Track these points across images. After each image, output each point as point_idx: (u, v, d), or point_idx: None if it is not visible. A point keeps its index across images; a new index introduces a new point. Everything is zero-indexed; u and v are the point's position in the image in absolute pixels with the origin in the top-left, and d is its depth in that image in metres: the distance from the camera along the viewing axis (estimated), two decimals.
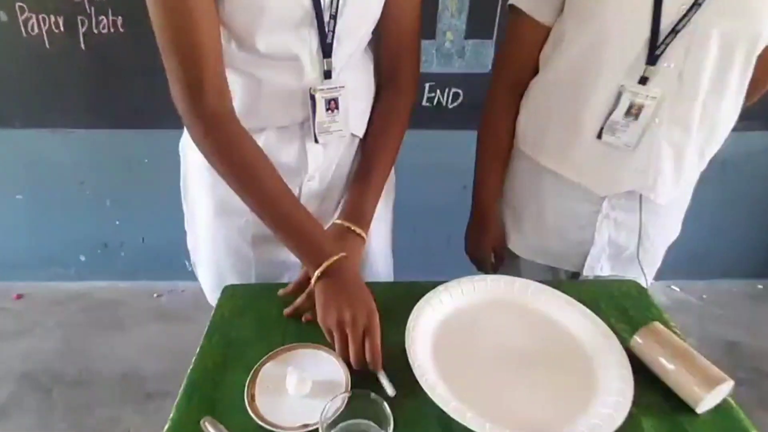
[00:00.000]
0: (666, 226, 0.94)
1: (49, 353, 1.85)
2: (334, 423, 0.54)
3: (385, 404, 0.52)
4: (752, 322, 2.08)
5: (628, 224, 0.90)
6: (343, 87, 0.80)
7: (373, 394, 0.54)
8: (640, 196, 0.87)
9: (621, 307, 0.81)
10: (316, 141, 0.83)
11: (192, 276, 1.03)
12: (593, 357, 0.70)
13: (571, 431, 0.59)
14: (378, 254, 0.99)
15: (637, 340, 0.69)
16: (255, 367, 0.67)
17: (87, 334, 1.95)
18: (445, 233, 1.75)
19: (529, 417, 0.62)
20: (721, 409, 0.64)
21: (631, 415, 0.60)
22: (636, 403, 0.62)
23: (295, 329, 0.75)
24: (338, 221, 0.82)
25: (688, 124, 0.79)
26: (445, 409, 0.60)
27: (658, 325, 0.70)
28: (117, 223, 2.05)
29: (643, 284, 0.89)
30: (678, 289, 2.25)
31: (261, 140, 0.80)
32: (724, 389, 0.63)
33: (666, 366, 0.65)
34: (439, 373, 0.66)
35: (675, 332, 0.73)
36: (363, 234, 0.81)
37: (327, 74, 0.78)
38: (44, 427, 1.57)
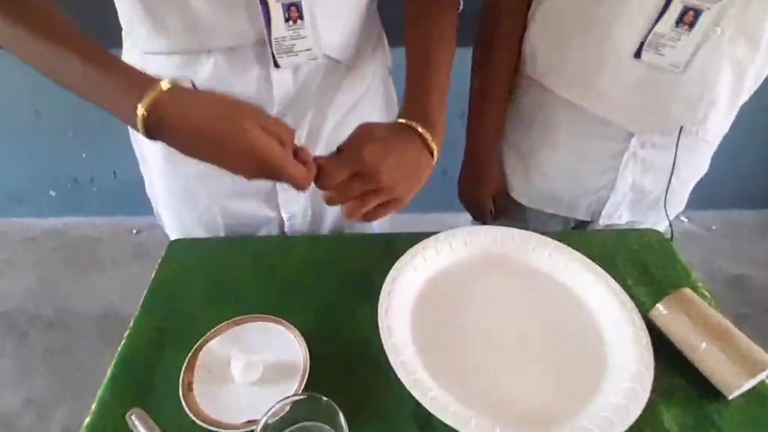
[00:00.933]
0: (700, 163, 0.78)
1: (24, 294, 1.77)
2: (280, 429, 0.43)
3: (341, 414, 0.40)
4: (760, 254, 1.98)
5: (659, 165, 0.74)
6: None
7: (325, 399, 0.42)
8: (680, 128, 0.69)
9: (641, 263, 0.68)
10: (276, 65, 0.63)
11: None
12: (605, 330, 0.58)
13: (575, 426, 0.49)
14: None
15: (661, 309, 0.57)
16: (194, 347, 0.55)
17: (63, 274, 1.86)
18: (440, 165, 1.59)
19: (524, 408, 0.51)
20: (756, 393, 0.53)
21: (649, 403, 0.49)
22: (655, 387, 0.51)
23: (250, 296, 0.63)
24: (400, 120, 0.59)
25: (758, 34, 0.60)
26: (421, 401, 0.49)
27: (687, 292, 0.57)
28: (83, 156, 1.88)
29: (664, 230, 0.76)
30: (686, 220, 2.13)
31: (206, 70, 0.62)
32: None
33: (696, 344, 0.53)
34: (418, 354, 0.55)
35: (707, 300, 0.61)
36: (428, 137, 0.58)
37: None
38: (22, 371, 1.52)
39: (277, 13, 0.60)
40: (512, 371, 0.55)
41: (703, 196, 1.99)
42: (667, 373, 0.54)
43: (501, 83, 0.78)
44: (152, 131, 0.47)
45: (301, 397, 0.43)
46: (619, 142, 0.73)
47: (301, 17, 0.62)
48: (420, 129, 0.57)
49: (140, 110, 0.45)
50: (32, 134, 1.81)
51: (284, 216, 0.77)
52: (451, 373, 0.53)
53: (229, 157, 0.48)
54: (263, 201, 0.75)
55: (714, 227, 2.12)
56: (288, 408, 0.43)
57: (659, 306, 0.57)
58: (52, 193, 2.01)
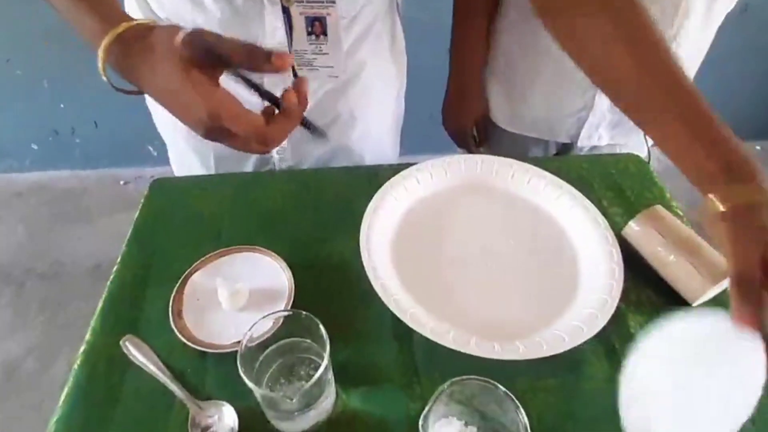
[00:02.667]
0: None
1: (16, 248, 1.78)
2: (264, 345, 0.45)
3: (321, 326, 0.42)
4: None
5: None
6: (333, 3, 0.57)
7: (305, 314, 0.44)
8: None
9: (617, 186, 0.69)
10: (295, 75, 0.62)
11: (158, 161, 0.90)
12: (580, 249, 0.60)
13: (547, 335, 0.51)
14: (385, 130, 0.83)
15: (633, 226, 0.59)
16: (182, 277, 0.57)
17: (53, 227, 1.86)
18: (427, 108, 1.57)
19: (501, 322, 0.54)
20: (717, 301, 0.56)
21: (617, 312, 0.52)
22: (623, 299, 0.53)
23: (232, 230, 0.64)
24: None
25: None
26: (401, 317, 0.51)
27: (659, 209, 0.59)
28: (62, 106, 1.83)
29: (644, 155, 0.77)
30: None
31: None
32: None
33: (665, 257, 0.55)
34: (398, 276, 0.57)
35: (679, 216, 0.63)
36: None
37: None
38: (21, 321, 1.56)
39: (299, 24, 0.58)
40: (490, 289, 0.57)
41: None
42: (636, 286, 0.57)
43: (483, 7, 0.77)
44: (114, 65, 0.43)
45: (283, 313, 0.45)
46: None
47: (324, 33, 0.59)
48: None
49: (102, 46, 0.42)
50: (5, 84, 1.75)
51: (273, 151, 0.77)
52: (431, 293, 0.55)
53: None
54: None
55: None
56: (271, 324, 0.44)
57: (631, 223, 0.59)
58: (34, 147, 1.97)
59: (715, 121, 0.43)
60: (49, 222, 1.87)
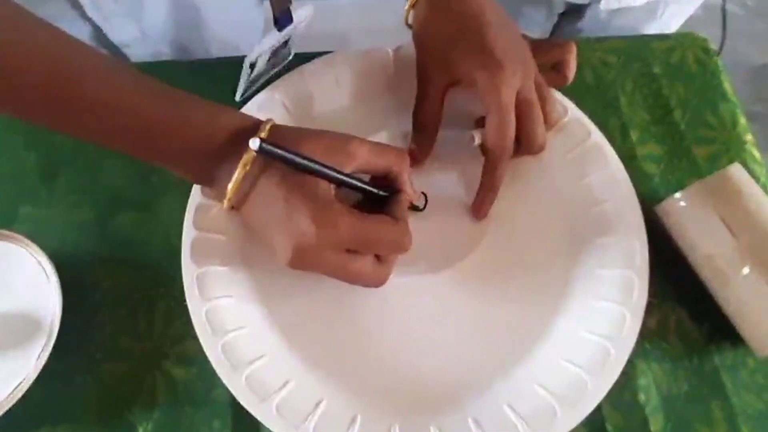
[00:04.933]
0: None
1: None
2: None
3: None
4: None
5: None
6: None
7: None
8: None
9: (661, 102, 0.40)
10: None
11: None
12: (581, 240, 0.34)
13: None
14: None
15: (679, 201, 0.32)
16: None
17: None
18: None
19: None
20: None
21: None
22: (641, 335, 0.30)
23: None
24: None
25: None
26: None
27: (732, 173, 0.32)
28: None
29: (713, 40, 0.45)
30: None
31: None
32: None
33: (731, 267, 0.30)
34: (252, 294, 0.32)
35: (761, 183, 0.36)
36: None
37: None
38: None
39: None
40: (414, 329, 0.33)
41: None
42: (661, 311, 0.33)
43: None
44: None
45: None
46: None
47: None
48: None
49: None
50: None
51: None
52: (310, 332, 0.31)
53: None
54: None
55: (749, 2, 1.70)
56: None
57: (677, 196, 0.32)
58: None
59: None
60: None
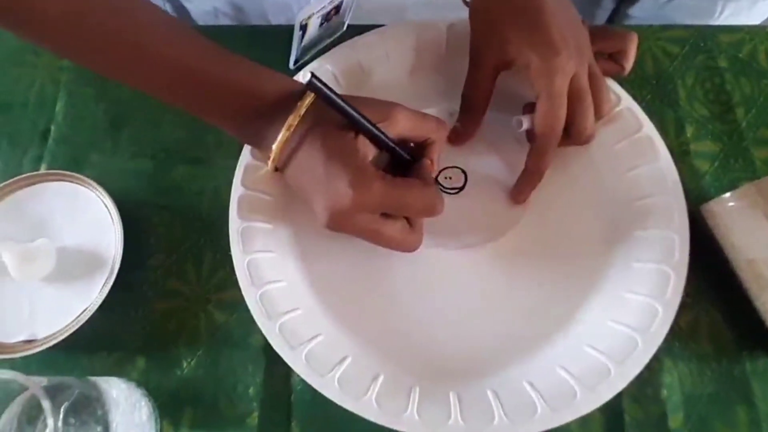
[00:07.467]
0: None
1: None
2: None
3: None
4: None
5: None
6: None
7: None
8: None
9: (722, 98, 0.38)
10: None
11: None
12: (620, 231, 0.34)
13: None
14: None
15: (728, 202, 0.31)
16: None
17: None
18: None
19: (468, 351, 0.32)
20: None
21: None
22: (670, 335, 0.30)
23: (60, 138, 0.41)
24: None
25: None
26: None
27: None
28: None
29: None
30: None
31: None
32: None
33: None
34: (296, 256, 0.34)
35: None
36: None
37: None
38: None
39: None
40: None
41: None
42: (693, 312, 0.33)
43: None
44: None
45: None
46: None
47: None
48: None
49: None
50: None
51: None
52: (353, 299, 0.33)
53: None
54: None
55: None
56: None
57: (727, 196, 0.31)
58: None
59: None
60: None
